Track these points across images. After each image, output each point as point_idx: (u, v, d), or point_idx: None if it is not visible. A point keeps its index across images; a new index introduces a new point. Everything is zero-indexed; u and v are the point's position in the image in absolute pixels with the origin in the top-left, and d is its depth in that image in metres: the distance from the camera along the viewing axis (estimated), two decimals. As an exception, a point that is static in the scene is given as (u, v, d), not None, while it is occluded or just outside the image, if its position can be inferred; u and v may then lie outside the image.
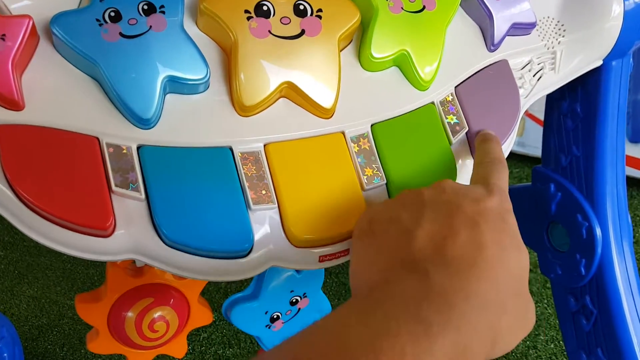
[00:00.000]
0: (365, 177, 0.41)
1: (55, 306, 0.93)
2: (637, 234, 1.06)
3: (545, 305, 0.92)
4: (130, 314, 0.45)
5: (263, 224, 0.39)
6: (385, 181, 0.41)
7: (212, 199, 0.38)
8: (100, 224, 0.35)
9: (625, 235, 0.58)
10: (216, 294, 0.86)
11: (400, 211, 0.35)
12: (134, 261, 0.46)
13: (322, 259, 0.41)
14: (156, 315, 0.46)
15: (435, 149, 0.43)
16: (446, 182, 0.37)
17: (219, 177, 0.39)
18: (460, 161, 0.45)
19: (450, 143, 0.44)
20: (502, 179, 0.38)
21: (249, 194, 0.39)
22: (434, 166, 0.43)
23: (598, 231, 0.57)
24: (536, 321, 0.88)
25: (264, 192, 0.39)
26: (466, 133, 0.45)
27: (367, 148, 0.42)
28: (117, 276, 0.45)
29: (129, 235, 0.37)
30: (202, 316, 0.49)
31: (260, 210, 0.39)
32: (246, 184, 0.39)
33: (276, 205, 0.39)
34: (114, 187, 0.36)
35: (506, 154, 0.47)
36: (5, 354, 0.72)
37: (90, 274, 0.99)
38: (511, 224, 0.34)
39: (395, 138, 0.43)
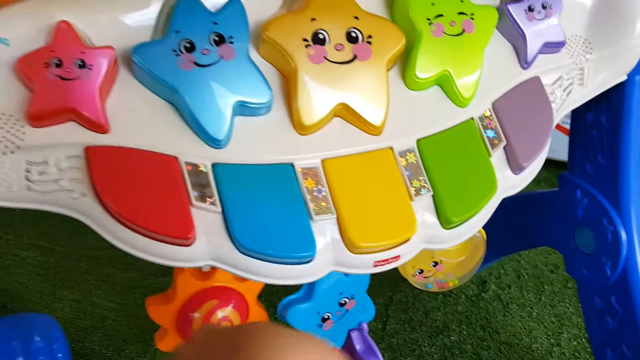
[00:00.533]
0: (413, 188, 0.45)
1: (98, 309, 0.97)
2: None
3: (567, 305, 0.95)
4: (197, 314, 0.49)
5: (324, 232, 0.43)
6: (432, 192, 0.45)
7: (279, 211, 0.42)
8: (183, 234, 0.40)
9: (649, 238, 0.62)
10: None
11: None
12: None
13: (376, 264, 0.45)
14: (221, 315, 0.50)
15: (476, 161, 0.47)
16: None
17: (283, 191, 0.43)
18: (499, 173, 0.48)
19: (489, 155, 0.48)
20: None
21: (311, 206, 0.43)
22: (476, 177, 0.47)
23: (623, 235, 0.61)
24: (559, 320, 0.92)
25: (323, 204, 0.43)
26: (504, 146, 0.48)
27: (414, 162, 0.46)
28: (185, 281, 0.49)
29: (207, 244, 0.41)
30: (259, 317, 0.53)
31: (321, 221, 0.43)
32: (307, 197, 0.43)
33: (335, 215, 0.43)
34: (193, 201, 0.40)
35: (539, 167, 0.51)
36: (60, 355, 0.76)
37: (129, 278, 1.03)
38: None
39: (439, 152, 0.46)
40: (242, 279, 0.51)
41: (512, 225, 0.75)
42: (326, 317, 0.54)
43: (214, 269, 0.50)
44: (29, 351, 0.68)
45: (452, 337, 0.89)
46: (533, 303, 0.95)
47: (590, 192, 0.63)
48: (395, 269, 0.52)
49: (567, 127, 1.02)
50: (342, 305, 0.55)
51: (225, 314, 0.51)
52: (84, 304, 0.98)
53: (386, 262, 0.45)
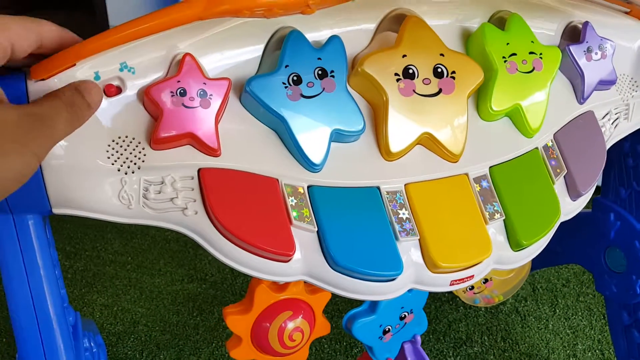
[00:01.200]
0: (487, 213, 0.49)
1: (128, 314, 0.99)
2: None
3: (581, 318, 1.00)
4: (272, 325, 0.53)
5: (407, 252, 0.47)
6: (503, 217, 0.49)
7: (368, 231, 0.46)
8: (286, 251, 0.43)
9: (676, 259, 0.66)
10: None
11: None
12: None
13: (452, 282, 0.48)
14: (295, 326, 0.53)
15: (542, 188, 0.51)
16: None
17: (371, 213, 0.46)
18: (560, 199, 0.52)
19: (553, 183, 0.52)
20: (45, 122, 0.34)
21: (396, 227, 0.46)
22: (542, 203, 0.51)
23: (654, 255, 0.66)
24: (574, 332, 0.97)
25: (408, 225, 0.47)
26: (564, 175, 0.53)
27: (487, 188, 0.50)
28: (263, 292, 0.52)
29: (303, 260, 0.45)
30: (323, 327, 0.57)
31: (405, 242, 0.46)
32: (393, 218, 0.46)
33: (418, 236, 0.47)
34: (293, 221, 0.43)
35: (592, 193, 0.55)
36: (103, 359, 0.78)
37: (156, 283, 1.06)
38: None
39: (509, 179, 0.50)
40: (313, 292, 0.55)
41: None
42: (387, 329, 0.58)
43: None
44: (85, 350, 0.70)
45: (475, 348, 0.93)
46: (549, 316, 1.00)
47: (623, 215, 0.68)
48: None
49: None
50: (402, 319, 0.58)
51: (296, 324, 0.54)
52: (114, 309, 1.00)
53: (462, 281, 0.49)
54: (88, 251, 1.14)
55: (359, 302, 0.58)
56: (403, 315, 0.58)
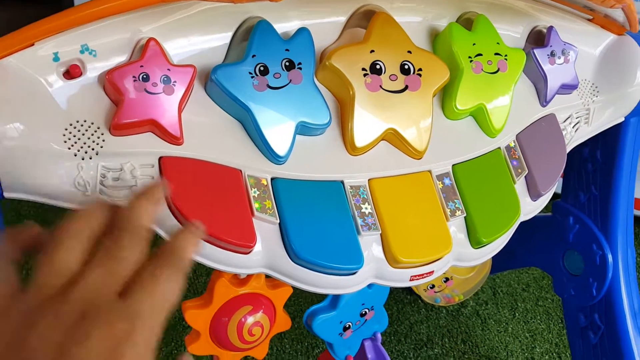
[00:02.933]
0: (449, 210, 0.49)
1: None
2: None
3: (539, 322, 1.02)
4: (231, 319, 0.52)
5: (368, 247, 0.47)
6: (464, 214, 0.50)
7: (330, 224, 0.45)
8: (247, 243, 0.42)
9: (632, 263, 0.68)
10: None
11: None
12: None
13: (412, 278, 0.49)
14: (255, 320, 0.52)
15: (503, 187, 0.52)
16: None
17: (334, 206, 0.46)
18: (520, 199, 0.53)
19: (514, 182, 0.53)
20: (154, 303, 0.29)
21: (358, 222, 0.46)
22: (503, 202, 0.52)
23: (610, 259, 0.67)
24: (532, 335, 0.99)
25: (370, 220, 0.47)
26: (525, 175, 0.54)
27: (449, 185, 0.50)
28: (223, 286, 0.51)
29: (263, 252, 0.44)
30: (284, 322, 0.56)
31: (367, 236, 0.46)
32: (355, 212, 0.46)
33: (380, 231, 0.47)
34: (255, 212, 0.43)
35: (551, 194, 0.57)
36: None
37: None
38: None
39: (471, 177, 0.51)
40: (274, 287, 0.54)
41: (506, 246, 0.80)
42: (347, 326, 0.58)
43: (249, 275, 0.53)
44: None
45: (436, 350, 0.94)
46: (508, 319, 1.02)
47: (582, 219, 0.69)
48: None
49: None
50: (362, 315, 0.58)
51: (256, 319, 0.53)
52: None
53: (421, 276, 0.49)
54: (45, 247, 1.11)
55: (321, 300, 0.58)
56: (364, 312, 0.58)
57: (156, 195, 0.34)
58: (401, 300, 1.02)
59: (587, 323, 0.72)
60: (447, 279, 0.77)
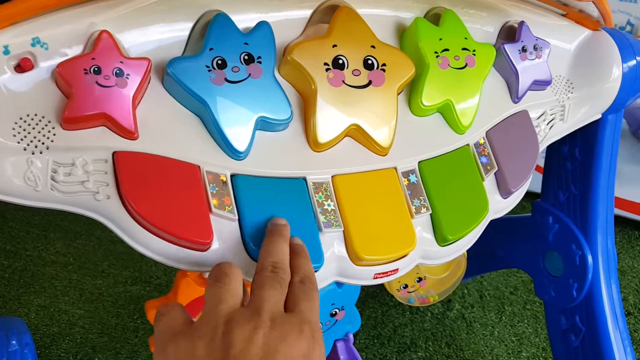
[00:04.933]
0: (414, 207, 0.48)
1: (65, 315, 0.95)
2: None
3: (526, 325, 1.00)
4: (195, 319, 0.51)
5: (331, 244, 0.46)
6: (430, 211, 0.49)
7: (291, 222, 0.44)
8: (203, 239, 0.41)
9: (612, 264, 0.67)
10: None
11: None
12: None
13: (376, 276, 0.48)
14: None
15: (471, 184, 0.51)
16: (260, 323, 0.35)
17: (296, 203, 0.45)
18: (489, 196, 0.52)
19: (483, 180, 0.52)
20: (313, 308, 0.39)
21: (320, 219, 0.45)
22: (470, 199, 0.51)
23: (590, 259, 0.66)
24: (519, 339, 0.97)
25: (332, 217, 0.46)
26: (495, 172, 0.53)
27: (415, 182, 0.49)
28: (187, 285, 0.50)
29: (222, 250, 0.43)
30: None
31: (329, 233, 0.45)
32: (318, 209, 0.45)
33: (342, 228, 0.46)
34: (213, 209, 0.42)
35: (524, 193, 0.56)
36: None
37: (97, 285, 1.02)
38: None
39: (438, 174, 0.50)
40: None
41: (485, 247, 0.79)
42: (318, 326, 0.57)
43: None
44: (8, 353, 0.67)
45: (419, 353, 0.93)
46: (495, 323, 1.00)
47: (561, 218, 0.68)
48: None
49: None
50: (332, 315, 0.57)
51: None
52: (51, 310, 0.97)
53: (385, 274, 0.48)
54: (29, 251, 1.10)
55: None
56: (334, 312, 0.57)
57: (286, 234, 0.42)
58: (386, 303, 1.01)
59: (568, 325, 0.71)
60: (420, 279, 0.76)
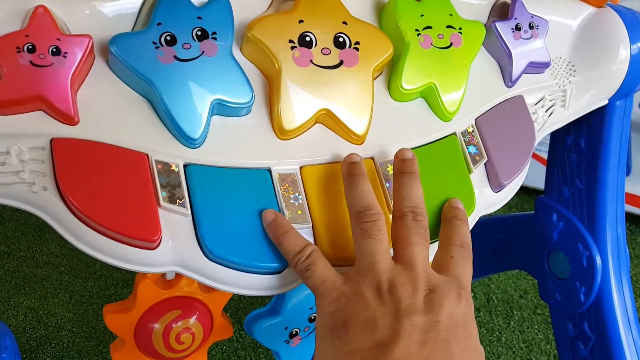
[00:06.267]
0: (392, 201, 0.43)
1: (54, 318, 0.92)
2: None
3: (536, 331, 0.94)
4: (157, 325, 0.47)
5: (298, 242, 0.41)
6: (411, 205, 0.44)
7: (253, 217, 0.40)
8: (148, 236, 0.37)
9: (624, 266, 0.61)
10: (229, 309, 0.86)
11: (377, 314, 0.35)
12: (163, 274, 0.48)
13: (350, 277, 0.43)
14: (183, 327, 0.47)
15: (457, 177, 0.46)
16: (419, 282, 0.36)
17: (258, 197, 0.41)
18: (477, 190, 0.47)
19: (470, 172, 0.47)
20: (469, 275, 0.40)
21: (286, 213, 0.41)
22: (455, 194, 0.46)
23: (598, 260, 0.60)
24: (528, 346, 0.91)
25: (299, 212, 0.41)
26: (485, 163, 0.48)
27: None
28: (147, 288, 0.46)
29: (174, 248, 0.39)
30: (224, 330, 0.51)
31: (296, 230, 0.41)
32: (283, 204, 0.41)
33: (310, 224, 0.41)
34: (162, 202, 0.38)
35: (518, 186, 0.50)
36: (13, 361, 0.72)
37: (88, 287, 0.99)
38: (472, 330, 0.37)
39: (421, 166, 0.45)
40: (209, 289, 0.49)
41: (486, 248, 0.74)
42: (294, 332, 0.52)
43: (179, 277, 0.48)
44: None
45: (421, 360, 0.87)
46: (502, 328, 0.95)
47: (566, 216, 0.62)
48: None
49: (540, 154, 1.04)
50: (311, 321, 0.53)
51: (187, 325, 0.48)
52: (40, 313, 0.94)
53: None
54: (23, 252, 1.08)
55: (267, 302, 0.52)
56: (312, 317, 0.52)
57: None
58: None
59: (576, 333, 0.65)
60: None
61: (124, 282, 1.01)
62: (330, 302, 0.37)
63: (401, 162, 0.42)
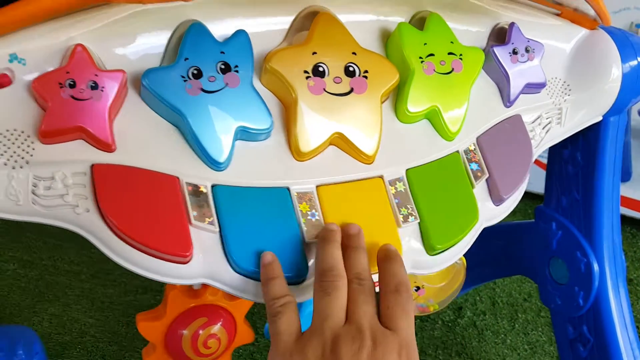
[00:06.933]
0: (401, 216, 0.47)
1: (77, 324, 0.97)
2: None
3: (540, 333, 0.98)
4: (186, 331, 0.51)
5: (315, 255, 0.45)
6: (418, 220, 0.48)
7: (274, 233, 0.44)
8: (181, 252, 0.41)
9: (620, 272, 0.65)
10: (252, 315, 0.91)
11: None
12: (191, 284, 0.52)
13: (363, 286, 0.47)
14: (210, 333, 0.51)
15: (460, 192, 0.50)
16: (364, 339, 0.38)
17: (279, 214, 0.45)
18: (480, 204, 0.51)
19: (473, 187, 0.50)
20: (409, 322, 0.40)
21: (304, 229, 0.45)
22: (459, 208, 0.49)
23: (595, 267, 0.64)
24: (532, 348, 0.95)
25: (316, 227, 0.45)
26: (486, 179, 0.51)
27: (403, 190, 0.48)
28: (176, 298, 0.50)
29: (204, 262, 0.43)
30: (246, 335, 0.55)
31: (313, 244, 0.45)
32: (301, 220, 0.45)
33: (327, 239, 0.45)
34: (192, 221, 0.42)
35: (518, 199, 0.54)
36: (39, 368, 0.76)
37: (109, 294, 1.04)
38: None
39: (426, 182, 0.49)
40: (232, 298, 0.53)
41: (490, 254, 0.78)
42: (311, 337, 0.56)
43: (204, 286, 0.52)
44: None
45: (429, 362, 0.91)
46: (507, 330, 0.98)
47: (564, 224, 0.66)
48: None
49: (543, 160, 1.07)
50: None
51: (213, 331, 0.52)
52: (64, 319, 0.98)
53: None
54: (45, 260, 1.12)
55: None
56: (327, 324, 0.56)
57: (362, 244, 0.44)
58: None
59: (576, 335, 0.68)
60: (418, 288, 0.75)
61: (143, 288, 1.05)
62: (278, 357, 0.39)
63: (347, 238, 0.44)
